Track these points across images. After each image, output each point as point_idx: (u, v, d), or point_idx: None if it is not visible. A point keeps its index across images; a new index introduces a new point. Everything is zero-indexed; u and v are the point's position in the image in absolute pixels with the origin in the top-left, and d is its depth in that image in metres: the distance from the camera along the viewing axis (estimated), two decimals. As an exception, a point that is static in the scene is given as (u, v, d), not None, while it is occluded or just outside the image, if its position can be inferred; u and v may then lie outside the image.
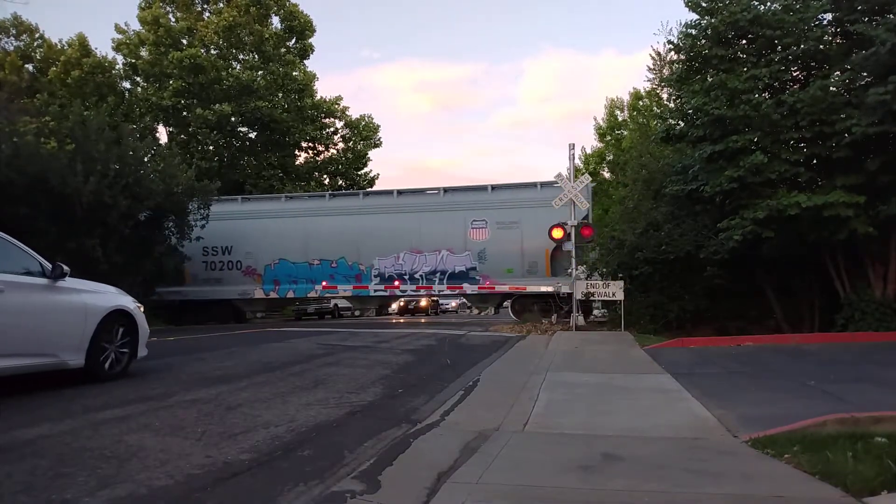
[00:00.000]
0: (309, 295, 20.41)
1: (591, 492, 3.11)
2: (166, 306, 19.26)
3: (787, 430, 3.96)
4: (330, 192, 21.42)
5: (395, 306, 31.74)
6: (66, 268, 5.66)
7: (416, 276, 18.99)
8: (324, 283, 19.49)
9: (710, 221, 12.22)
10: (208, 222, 18.13)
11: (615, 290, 12.83)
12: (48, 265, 5.55)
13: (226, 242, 19.94)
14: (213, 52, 28.89)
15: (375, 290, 19.37)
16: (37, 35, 29.27)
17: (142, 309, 6.68)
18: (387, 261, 19.06)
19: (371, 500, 2.96)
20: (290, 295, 20.26)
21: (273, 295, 20.03)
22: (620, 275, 13.33)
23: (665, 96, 22.56)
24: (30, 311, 5.27)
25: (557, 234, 14.56)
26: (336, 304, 25.95)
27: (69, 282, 5.74)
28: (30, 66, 28.50)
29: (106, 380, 5.91)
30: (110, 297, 6.27)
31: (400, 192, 19.90)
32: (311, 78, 30.81)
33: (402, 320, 24.28)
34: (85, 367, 5.71)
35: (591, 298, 13.87)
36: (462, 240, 18.64)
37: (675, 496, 3.01)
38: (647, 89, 29.49)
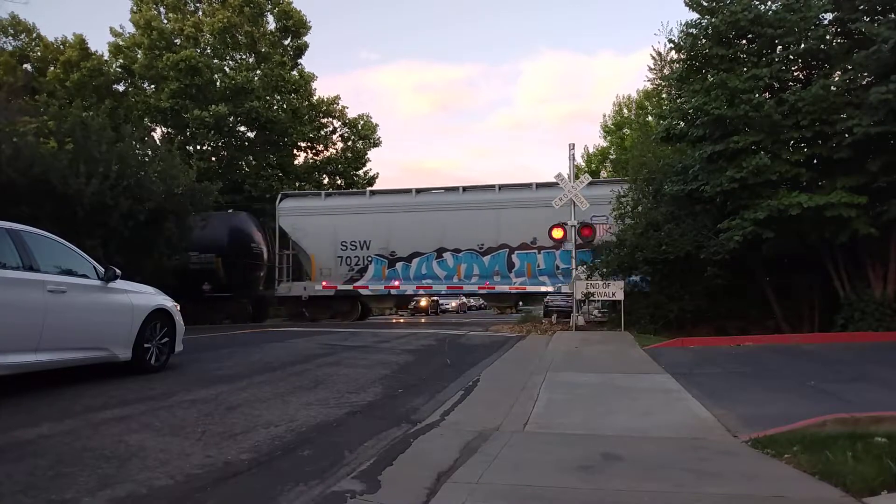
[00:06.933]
0: None
1: (591, 492, 3.11)
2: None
3: (787, 430, 3.95)
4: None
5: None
6: (117, 271, 6.27)
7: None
8: None
9: (710, 221, 12.20)
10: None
11: (615, 290, 12.82)
12: (101, 268, 6.15)
13: None
14: (207, 51, 28.89)
15: None
16: (34, 34, 29.25)
17: (178, 307, 7.20)
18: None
19: (371, 500, 2.96)
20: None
21: None
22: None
23: (665, 96, 22.57)
24: (87, 310, 5.86)
25: (557, 233, 14.56)
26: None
27: (118, 283, 6.30)
28: (28, 66, 28.47)
29: (149, 372, 6.46)
30: (151, 296, 6.86)
31: None
32: (310, 78, 30.80)
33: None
34: (132, 360, 6.28)
35: (592, 299, 13.85)
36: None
37: (675, 496, 3.01)
38: (648, 89, 29.54)
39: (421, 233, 19.01)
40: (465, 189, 19.69)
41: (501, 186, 19.24)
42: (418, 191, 19.89)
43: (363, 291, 19.62)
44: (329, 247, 19.74)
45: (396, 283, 19.42)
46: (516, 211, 17.47)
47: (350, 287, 19.51)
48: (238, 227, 20.48)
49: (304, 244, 20.11)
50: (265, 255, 21.38)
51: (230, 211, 23.16)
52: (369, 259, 19.54)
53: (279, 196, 21.49)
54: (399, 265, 19.35)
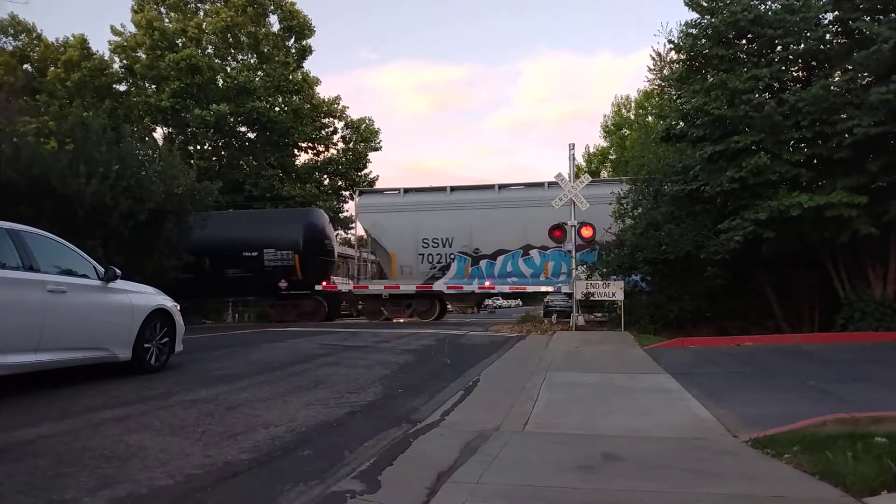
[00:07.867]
0: None
1: (591, 492, 3.11)
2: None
3: (787, 430, 3.95)
4: None
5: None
6: (118, 271, 6.27)
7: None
8: None
9: (710, 221, 12.20)
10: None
11: (615, 290, 12.82)
12: (101, 269, 6.16)
13: None
14: (209, 51, 28.87)
15: None
16: (34, 35, 29.25)
17: (178, 307, 7.20)
18: None
19: (371, 500, 2.96)
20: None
21: None
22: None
23: (665, 97, 22.58)
24: (88, 310, 5.86)
25: (558, 234, 14.55)
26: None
27: (118, 283, 6.31)
28: (28, 66, 28.47)
29: (150, 372, 6.46)
30: (151, 296, 6.85)
31: None
32: (314, 82, 30.76)
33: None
34: (132, 360, 6.28)
35: (591, 299, 13.84)
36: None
37: (675, 496, 3.01)
38: (648, 89, 29.56)
39: (504, 230, 18.53)
40: (549, 185, 18.44)
41: (590, 182, 18.69)
42: (500, 187, 19.47)
43: (444, 290, 19.03)
44: (410, 244, 19.27)
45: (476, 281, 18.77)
46: (606, 207, 15.50)
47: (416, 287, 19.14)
48: (313, 223, 20.27)
49: (385, 242, 19.69)
50: (335, 252, 21.29)
51: (305, 207, 23.08)
52: (452, 257, 19.06)
53: (357, 192, 21.24)
54: (483, 263, 18.80)
